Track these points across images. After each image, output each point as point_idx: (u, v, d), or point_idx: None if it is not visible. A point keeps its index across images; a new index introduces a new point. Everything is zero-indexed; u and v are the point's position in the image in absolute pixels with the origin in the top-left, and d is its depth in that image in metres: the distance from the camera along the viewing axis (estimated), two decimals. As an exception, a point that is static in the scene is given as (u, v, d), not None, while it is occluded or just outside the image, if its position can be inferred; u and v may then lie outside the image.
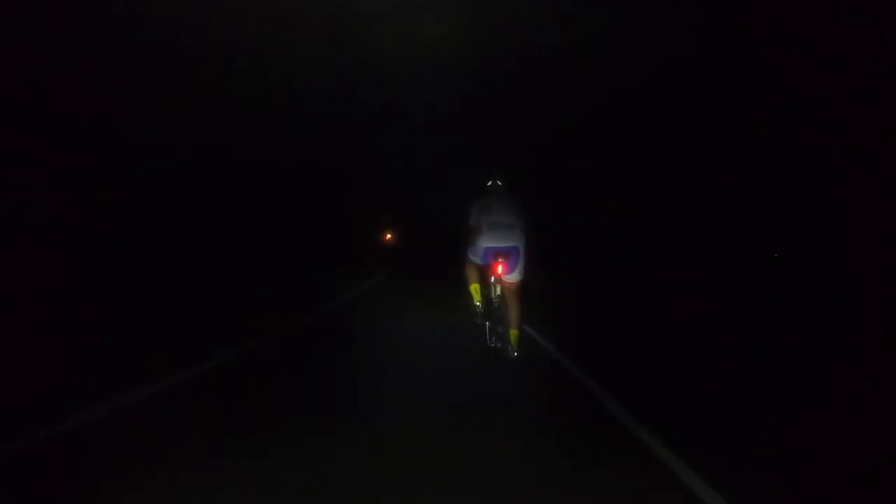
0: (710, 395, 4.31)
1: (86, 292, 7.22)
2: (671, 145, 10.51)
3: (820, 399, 4.20)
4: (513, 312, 5.20)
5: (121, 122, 9.34)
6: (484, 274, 5.63)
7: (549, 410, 3.98)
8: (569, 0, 7.88)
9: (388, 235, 33.02)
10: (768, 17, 6.91)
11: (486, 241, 5.22)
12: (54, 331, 5.63)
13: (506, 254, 5.20)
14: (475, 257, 5.46)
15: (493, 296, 5.48)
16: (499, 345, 5.38)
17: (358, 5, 8.85)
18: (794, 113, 7.54)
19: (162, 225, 10.55)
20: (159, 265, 9.97)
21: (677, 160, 10.24)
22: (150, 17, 8.01)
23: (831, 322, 6.55)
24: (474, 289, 5.78)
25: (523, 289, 5.35)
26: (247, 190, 13.94)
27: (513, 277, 5.24)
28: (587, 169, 14.62)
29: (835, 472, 2.91)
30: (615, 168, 13.22)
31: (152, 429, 3.24)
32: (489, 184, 5.80)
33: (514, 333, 5.14)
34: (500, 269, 5.21)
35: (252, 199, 14.30)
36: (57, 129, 8.34)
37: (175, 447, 2.95)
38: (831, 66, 6.73)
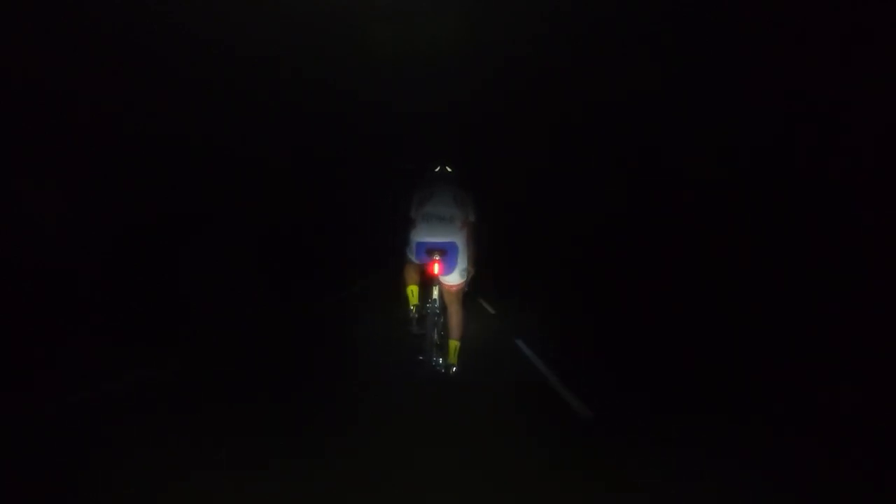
0: (697, 395, 4.30)
1: (84, 294, 7.20)
2: (670, 145, 10.53)
3: (806, 400, 4.20)
4: (453, 320, 4.52)
5: (119, 119, 9.30)
6: (424, 276, 4.78)
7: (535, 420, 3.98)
8: (569, 0, 7.85)
9: (437, 267, 31.18)
10: (767, 17, 6.92)
11: (419, 236, 4.49)
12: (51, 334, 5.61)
13: (441, 251, 4.43)
14: (412, 255, 4.67)
15: (429, 299, 4.69)
16: (440, 360, 4.59)
17: (358, 5, 8.85)
18: (792, 112, 7.55)
19: (160, 224, 10.51)
20: (157, 265, 9.93)
21: (675, 159, 10.26)
22: (147, 14, 7.97)
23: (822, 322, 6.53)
24: (411, 291, 4.79)
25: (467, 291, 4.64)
26: (246, 189, 13.91)
27: (451, 280, 4.51)
28: (586, 168, 14.64)
29: (818, 473, 2.91)
30: (614, 168, 13.22)
31: (146, 442, 3.22)
32: (436, 170, 5.04)
33: (453, 345, 4.52)
34: (436, 268, 4.44)
35: (251, 199, 14.26)
36: (53, 127, 8.30)
37: (174, 454, 2.93)
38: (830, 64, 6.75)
